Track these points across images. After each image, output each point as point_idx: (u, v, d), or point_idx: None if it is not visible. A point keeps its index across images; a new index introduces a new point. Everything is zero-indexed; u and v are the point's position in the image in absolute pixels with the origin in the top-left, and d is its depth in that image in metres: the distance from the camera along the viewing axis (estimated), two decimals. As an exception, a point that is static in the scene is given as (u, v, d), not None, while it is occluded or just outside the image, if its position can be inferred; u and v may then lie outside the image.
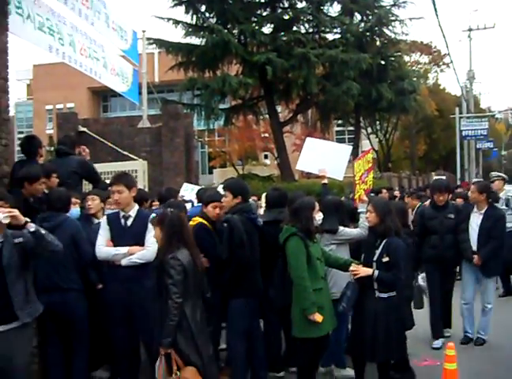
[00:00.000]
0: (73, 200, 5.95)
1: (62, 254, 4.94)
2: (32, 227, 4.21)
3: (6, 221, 4.09)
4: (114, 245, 5.35)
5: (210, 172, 40.79)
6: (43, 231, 4.26)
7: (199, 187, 9.87)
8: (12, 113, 48.58)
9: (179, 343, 4.46)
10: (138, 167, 12.72)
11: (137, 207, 5.56)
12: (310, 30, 21.68)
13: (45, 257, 4.59)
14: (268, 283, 5.87)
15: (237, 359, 5.78)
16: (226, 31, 19.14)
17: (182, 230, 4.75)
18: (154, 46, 20.39)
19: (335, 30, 21.84)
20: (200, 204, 7.24)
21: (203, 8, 20.42)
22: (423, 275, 7.25)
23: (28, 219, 4.27)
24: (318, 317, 5.12)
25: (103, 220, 5.57)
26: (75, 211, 6.11)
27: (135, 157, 13.79)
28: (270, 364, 6.30)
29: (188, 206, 7.64)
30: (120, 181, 5.42)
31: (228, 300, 5.76)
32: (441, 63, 47.01)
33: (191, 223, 6.31)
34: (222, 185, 6.38)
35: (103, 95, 47.71)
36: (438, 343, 7.36)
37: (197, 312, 4.66)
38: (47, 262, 5.11)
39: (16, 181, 6.07)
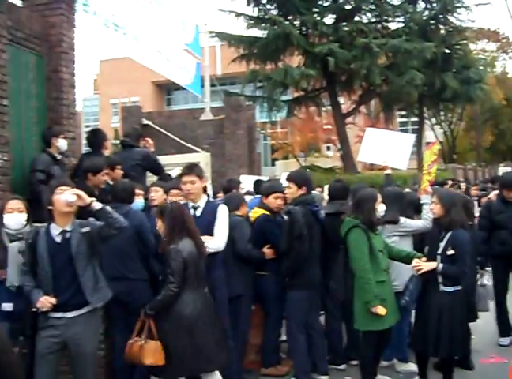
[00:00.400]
0: (137, 191, 6.06)
1: (127, 244, 5.08)
2: (97, 205, 4.33)
3: (73, 199, 4.20)
4: None
5: (273, 164, 40.77)
6: (109, 208, 4.37)
7: (256, 178, 9.86)
8: (80, 108, 49.90)
9: (163, 330, 4.65)
10: (201, 159, 12.82)
11: (206, 197, 5.60)
12: (373, 19, 21.33)
13: (110, 242, 4.70)
14: (329, 276, 5.86)
15: (298, 351, 5.79)
16: (287, 22, 19.08)
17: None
18: (216, 39, 20.54)
19: (398, 19, 21.42)
20: (258, 195, 7.28)
21: (264, 0, 20.42)
22: (487, 275, 7.01)
23: (94, 199, 4.37)
24: (381, 310, 5.07)
25: None
26: (139, 202, 6.21)
27: (198, 149, 13.94)
28: (331, 356, 6.29)
29: (249, 198, 7.67)
30: (193, 172, 5.44)
31: (287, 292, 5.78)
32: (509, 50, 45.57)
33: (252, 214, 6.35)
34: (285, 177, 6.38)
35: (166, 89, 48.38)
36: (505, 340, 7.16)
37: (198, 301, 4.75)
38: (113, 253, 5.24)
39: (81, 172, 6.24)
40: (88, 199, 4.30)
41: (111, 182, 6.24)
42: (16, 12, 6.56)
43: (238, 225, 5.90)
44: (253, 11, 20.49)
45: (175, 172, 8.20)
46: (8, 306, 4.42)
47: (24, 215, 4.63)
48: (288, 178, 6.11)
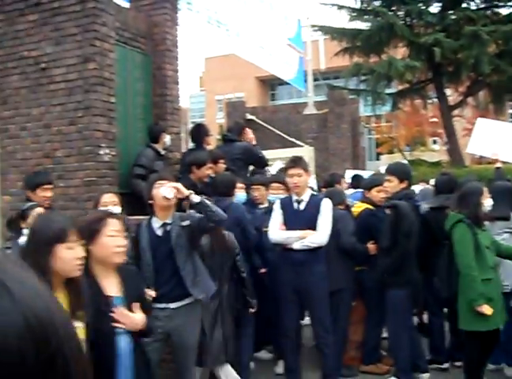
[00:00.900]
0: (239, 185, 6.13)
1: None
2: (196, 197, 4.36)
3: (171, 195, 4.28)
4: (287, 229, 5.40)
5: (377, 158, 40.12)
6: (207, 202, 4.43)
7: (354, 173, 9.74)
8: (186, 104, 51.09)
9: None
10: (305, 153, 12.79)
11: (310, 191, 5.57)
12: (482, 6, 20.46)
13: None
14: (433, 272, 5.68)
15: (400, 349, 5.66)
16: (391, 13, 18.70)
17: None
18: (319, 33, 20.44)
19: (510, 3, 20.43)
20: (359, 189, 7.18)
21: (367, -9, 20.12)
22: None
23: (192, 192, 4.45)
24: (487, 310, 4.84)
25: (277, 204, 5.59)
26: (241, 195, 6.29)
27: (301, 143, 13.94)
28: (433, 355, 6.11)
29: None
30: (298, 165, 5.41)
31: (387, 289, 5.65)
32: None
33: (355, 209, 6.27)
34: (385, 169, 6.23)
35: (270, 84, 48.67)
36: None
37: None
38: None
39: (185, 166, 6.39)
40: (186, 192, 4.36)
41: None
42: (123, 13, 6.81)
43: (342, 218, 5.85)
44: (355, 3, 20.24)
45: (275, 166, 8.24)
46: None
47: (119, 209, 4.77)
48: (389, 171, 5.92)
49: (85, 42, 5.80)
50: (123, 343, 3.20)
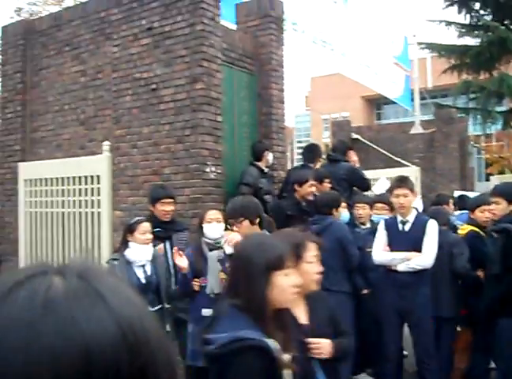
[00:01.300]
0: (342, 204, 6.09)
1: (329, 256, 5.12)
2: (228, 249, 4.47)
3: (229, 250, 4.41)
4: (391, 250, 5.31)
5: (487, 179, 38.61)
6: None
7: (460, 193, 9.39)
8: (292, 124, 51.43)
9: None
10: (410, 174, 12.53)
11: (415, 212, 5.44)
12: None
13: None
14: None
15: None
16: (503, 27, 18.03)
17: None
18: (426, 51, 20.02)
19: None
20: (465, 211, 6.93)
21: (477, 6, 19.49)
22: None
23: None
24: None
25: (381, 225, 5.52)
26: (344, 215, 6.24)
27: (407, 163, 13.68)
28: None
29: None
30: (405, 185, 5.33)
31: (496, 318, 5.35)
32: None
33: (460, 231, 6.06)
34: (492, 190, 5.94)
35: (376, 103, 48.15)
36: None
37: None
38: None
39: (290, 185, 6.43)
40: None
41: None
42: (230, 34, 6.99)
43: (458, 242, 5.67)
44: (465, 18, 19.66)
45: (379, 184, 8.12)
46: (207, 312, 4.66)
47: (222, 225, 4.85)
48: (496, 192, 5.50)
49: (193, 63, 6.00)
50: (319, 373, 2.99)
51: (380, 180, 8.51)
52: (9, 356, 0.61)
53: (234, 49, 6.98)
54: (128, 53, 6.56)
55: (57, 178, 7.15)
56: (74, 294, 0.66)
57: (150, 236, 4.76)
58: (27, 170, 7.67)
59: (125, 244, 4.74)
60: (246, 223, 4.56)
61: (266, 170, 6.87)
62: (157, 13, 6.33)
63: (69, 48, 7.43)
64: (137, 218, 4.90)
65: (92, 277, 0.69)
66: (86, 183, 6.84)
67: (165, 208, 5.32)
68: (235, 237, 4.58)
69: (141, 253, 4.68)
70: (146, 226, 4.76)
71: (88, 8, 7.31)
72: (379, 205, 6.30)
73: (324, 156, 7.92)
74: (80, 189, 6.90)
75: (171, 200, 5.41)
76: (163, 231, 5.20)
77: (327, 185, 6.62)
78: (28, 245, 7.54)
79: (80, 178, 6.90)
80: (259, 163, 6.80)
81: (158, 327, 0.71)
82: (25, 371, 0.60)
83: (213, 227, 4.77)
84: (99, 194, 6.71)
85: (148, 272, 4.72)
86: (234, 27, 7.58)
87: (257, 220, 4.58)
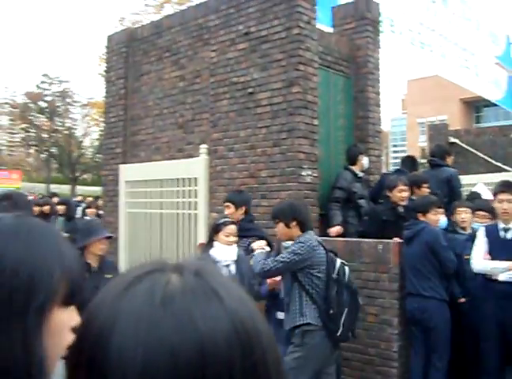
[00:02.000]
0: (440, 210, 5.92)
1: (419, 260, 5.07)
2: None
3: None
4: (492, 259, 5.11)
5: None
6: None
7: None
8: (387, 127, 50.75)
9: None
10: None
11: None
12: None
13: (406, 257, 4.77)
14: None
15: None
16: None
17: None
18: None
19: None
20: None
21: None
22: None
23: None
24: None
25: (481, 231, 5.32)
26: (442, 220, 6.08)
27: (509, 168, 13.15)
28: None
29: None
30: (510, 190, 5.12)
31: None
32: None
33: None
34: None
35: (475, 106, 46.66)
36: None
37: None
38: (409, 268, 5.25)
39: (384, 189, 6.35)
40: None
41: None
42: (326, 37, 6.98)
43: None
44: None
45: (479, 188, 7.86)
46: (281, 315, 4.77)
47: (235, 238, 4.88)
48: None
49: (290, 67, 6.02)
50: None
51: (477, 186, 8.24)
52: (129, 348, 0.63)
53: (330, 52, 6.95)
54: (225, 57, 6.67)
55: (155, 180, 7.36)
56: (191, 291, 0.67)
57: (234, 238, 4.79)
58: (127, 172, 7.94)
59: (210, 243, 4.83)
60: (281, 225, 4.58)
61: (361, 174, 6.80)
62: (254, 17, 6.40)
63: (169, 54, 7.64)
64: (223, 219, 4.95)
65: (207, 275, 0.71)
66: (184, 185, 7.00)
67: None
68: (261, 244, 4.78)
69: (225, 253, 4.73)
70: (231, 228, 4.79)
71: (187, 15, 7.49)
72: (481, 213, 6.08)
73: (423, 161, 7.79)
74: (177, 191, 7.07)
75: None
76: None
77: (425, 189, 6.48)
78: (128, 245, 7.80)
79: (178, 180, 7.07)
80: (353, 167, 6.74)
81: (268, 327, 0.72)
82: (144, 364, 0.62)
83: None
84: (196, 196, 6.85)
85: (233, 272, 4.78)
86: (330, 30, 7.55)
87: (294, 223, 4.53)
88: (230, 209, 5.34)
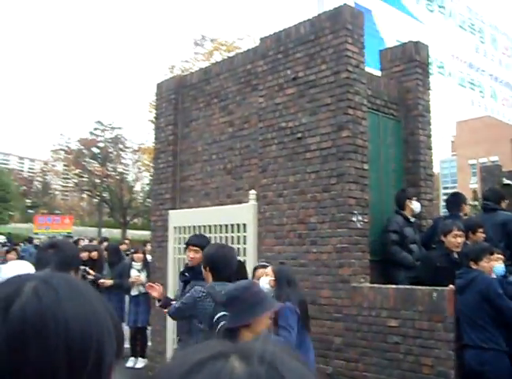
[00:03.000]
0: (496, 255, 5.71)
1: (473, 311, 4.87)
2: None
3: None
4: None
5: None
6: None
7: None
8: (437, 169, 50.17)
9: None
10: None
11: None
12: None
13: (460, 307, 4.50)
14: None
15: None
16: None
17: None
18: None
19: None
20: None
21: None
22: None
23: None
24: None
25: None
26: (498, 266, 5.85)
27: None
28: None
29: None
30: None
31: None
32: None
33: None
34: None
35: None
36: None
37: None
38: (463, 320, 5.05)
39: (438, 235, 6.18)
40: None
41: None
42: (375, 81, 6.92)
43: None
44: None
45: None
46: None
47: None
48: None
49: (339, 111, 5.97)
50: None
51: None
52: None
53: (379, 95, 6.89)
54: (273, 103, 6.67)
55: (204, 226, 7.34)
56: None
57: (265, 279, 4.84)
58: (176, 217, 7.96)
59: None
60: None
61: (412, 219, 6.65)
62: (302, 62, 6.41)
63: (217, 100, 7.70)
64: (259, 263, 5.04)
65: (276, 362, 0.64)
66: (233, 231, 6.96)
67: (189, 254, 5.20)
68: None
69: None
70: (260, 271, 4.99)
71: (236, 61, 7.57)
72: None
73: (475, 204, 7.57)
74: (226, 237, 7.02)
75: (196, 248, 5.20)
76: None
77: (481, 234, 6.28)
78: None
79: (226, 226, 7.03)
80: (404, 212, 6.60)
81: None
82: None
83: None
84: (245, 242, 6.79)
85: None
86: (378, 73, 7.50)
87: (207, 269, 4.46)
88: (198, 253, 5.09)
